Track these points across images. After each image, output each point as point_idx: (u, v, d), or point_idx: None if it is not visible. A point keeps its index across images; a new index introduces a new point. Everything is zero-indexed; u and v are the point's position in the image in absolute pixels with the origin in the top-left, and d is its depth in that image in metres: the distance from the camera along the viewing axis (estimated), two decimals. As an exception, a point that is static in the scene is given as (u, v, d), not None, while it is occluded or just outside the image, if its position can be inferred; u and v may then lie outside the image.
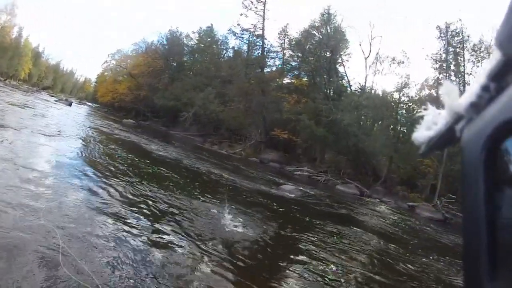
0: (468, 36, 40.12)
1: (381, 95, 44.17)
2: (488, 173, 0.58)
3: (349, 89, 45.44)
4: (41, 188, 8.68)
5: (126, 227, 7.76)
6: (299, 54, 48.73)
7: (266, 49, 51.17)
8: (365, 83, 45.10)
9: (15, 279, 4.73)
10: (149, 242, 7.31)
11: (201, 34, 59.94)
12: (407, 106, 42.55)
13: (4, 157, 10.54)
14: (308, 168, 37.83)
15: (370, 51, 43.92)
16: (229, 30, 54.46)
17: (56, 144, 15.79)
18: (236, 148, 43.04)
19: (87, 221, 7.46)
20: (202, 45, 59.09)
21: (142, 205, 9.88)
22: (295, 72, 50.25)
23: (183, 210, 10.53)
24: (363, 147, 36.66)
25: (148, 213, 9.38)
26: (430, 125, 0.72)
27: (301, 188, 22.96)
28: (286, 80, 50.14)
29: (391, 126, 42.32)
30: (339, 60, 45.86)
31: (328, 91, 44.68)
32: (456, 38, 40.68)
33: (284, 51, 51.10)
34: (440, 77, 40.90)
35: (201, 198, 12.60)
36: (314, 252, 9.69)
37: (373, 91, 45.37)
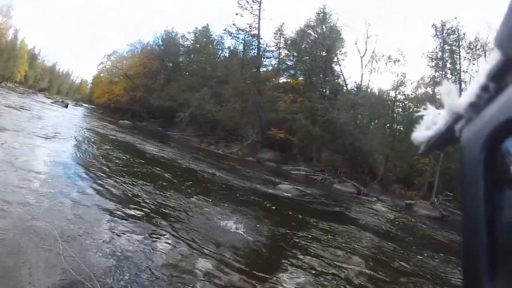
0: (464, 34, 40.14)
1: (377, 93, 44.15)
2: (487, 173, 0.58)
3: (345, 88, 45.40)
4: (39, 189, 8.85)
5: (122, 227, 7.85)
6: (295, 54, 48.63)
7: (261, 48, 51.14)
8: (361, 81, 44.99)
9: (16, 277, 4.81)
10: (146, 242, 7.33)
11: (197, 34, 59.86)
12: (403, 104, 42.52)
13: (2, 159, 10.65)
14: (305, 167, 37.78)
15: (366, 49, 43.80)
16: (225, 30, 54.38)
17: (53, 146, 15.84)
18: (232, 148, 42.93)
19: (85, 221, 7.59)
20: (198, 45, 58.88)
21: (138, 205, 9.94)
22: (291, 71, 50.10)
23: (179, 210, 10.58)
24: (359, 146, 36.56)
25: (145, 213, 9.43)
26: (429, 125, 0.72)
27: (298, 187, 22.91)
28: (282, 80, 50.10)
29: (388, 125, 42.23)
30: (335, 59, 45.78)
31: (324, 90, 44.60)
32: (451, 36, 40.68)
33: (280, 51, 51.05)
34: (436, 75, 41.19)
35: (198, 198, 12.62)
36: (311, 251, 9.69)
37: (369, 90, 45.26)
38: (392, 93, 42.70)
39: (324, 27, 46.03)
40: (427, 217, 25.87)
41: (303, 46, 47.10)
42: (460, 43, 40.22)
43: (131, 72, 61.18)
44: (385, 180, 36.58)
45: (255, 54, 51.32)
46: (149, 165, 17.53)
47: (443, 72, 40.44)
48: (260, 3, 49.16)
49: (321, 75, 45.15)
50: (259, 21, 49.71)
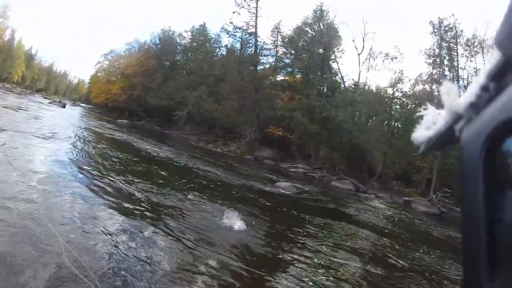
0: (462, 31, 40.35)
1: (375, 91, 44.24)
2: (487, 173, 0.58)
3: (342, 85, 45.36)
4: (38, 188, 8.84)
5: (121, 225, 7.87)
6: (292, 51, 48.77)
7: (259, 46, 50.99)
8: (359, 79, 45.04)
9: (17, 275, 4.82)
10: (144, 240, 7.34)
11: (194, 33, 59.86)
12: (401, 101, 42.73)
13: (1, 160, 10.62)
14: (303, 164, 37.91)
15: (363, 47, 43.71)
16: (222, 28, 54.29)
17: (51, 146, 15.78)
18: (230, 146, 42.97)
19: (85, 219, 7.63)
20: (195, 44, 58.97)
21: (136, 204, 9.94)
22: (289, 69, 50.18)
23: (176, 208, 10.56)
24: (357, 143, 36.65)
25: (142, 211, 9.43)
26: (429, 125, 0.72)
27: (296, 185, 22.87)
28: (280, 77, 50.22)
29: (385, 122, 42.37)
30: (332, 57, 45.81)
31: (321, 87, 44.64)
32: (449, 33, 40.85)
33: (277, 49, 51.09)
34: (433, 72, 41.38)
35: (195, 196, 12.59)
36: (309, 248, 9.69)
37: (366, 87, 45.45)
38: (390, 90, 42.82)
39: (321, 24, 46.04)
40: (425, 214, 25.92)
41: (300, 43, 47.14)
42: (458, 40, 40.39)
43: (128, 71, 61.16)
44: (383, 177, 36.63)
45: (253, 52, 51.15)
46: (146, 163, 17.55)
47: (441, 69, 40.60)
48: (257, 1, 49.04)
49: (318, 73, 45.16)
50: (256, 19, 49.57)
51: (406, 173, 36.39)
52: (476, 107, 0.61)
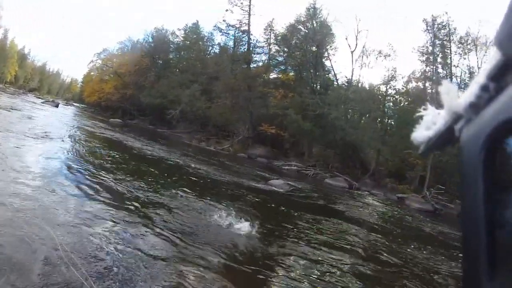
0: (455, 29, 40.46)
1: (368, 88, 44.60)
2: (487, 173, 0.58)
3: (335, 83, 45.42)
4: (31, 188, 8.89)
5: (113, 223, 7.89)
6: (285, 49, 48.59)
7: (252, 44, 50.99)
8: (352, 76, 45.18)
9: (15, 273, 4.88)
10: (137, 238, 7.40)
11: (187, 31, 59.62)
12: (394, 98, 43.00)
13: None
14: (296, 162, 37.87)
15: (356, 44, 43.87)
16: (215, 26, 54.26)
17: (44, 146, 15.84)
18: (224, 144, 42.96)
19: (78, 217, 7.71)
20: (188, 42, 58.78)
21: (128, 202, 9.98)
22: (282, 67, 50.15)
23: (169, 206, 10.57)
24: (350, 141, 36.73)
25: (135, 209, 9.48)
26: (429, 125, 0.72)
27: (289, 182, 22.85)
28: (273, 75, 50.10)
29: (379, 119, 42.61)
30: (326, 54, 45.78)
31: (314, 85, 44.62)
32: (442, 31, 40.97)
33: (270, 46, 51.02)
34: (427, 70, 41.65)
35: (188, 194, 12.60)
36: (301, 245, 9.71)
37: (360, 85, 45.66)
38: (383, 88, 43.17)
39: (314, 22, 46.00)
40: (419, 211, 26.01)
41: (293, 41, 47.02)
42: (451, 37, 40.50)
43: (121, 70, 60.82)
44: (377, 174, 36.74)
45: (246, 50, 51.12)
46: (138, 162, 17.63)
47: (434, 67, 40.82)
48: (250, -1, 48.84)
49: (311, 70, 45.09)
50: (249, 17, 49.54)
51: (399, 170, 36.50)
52: (476, 107, 0.60)
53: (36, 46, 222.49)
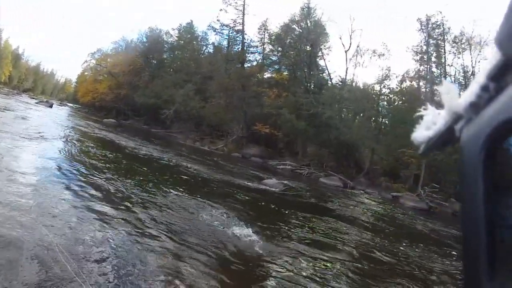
0: (449, 29, 40.60)
1: (362, 87, 44.78)
2: (487, 173, 0.58)
3: (329, 82, 45.41)
4: (26, 187, 8.92)
5: (107, 223, 7.92)
6: (279, 49, 48.57)
7: (246, 44, 50.97)
8: (346, 76, 45.25)
9: (10, 271, 4.98)
10: (131, 238, 7.42)
11: (181, 31, 59.41)
12: (388, 98, 43.09)
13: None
14: (291, 162, 37.88)
15: (350, 44, 43.95)
16: (209, 26, 54.19)
17: (38, 147, 15.83)
18: (218, 144, 42.93)
19: (74, 218, 7.74)
20: (182, 42, 58.59)
21: (122, 202, 10.01)
22: (276, 66, 50.12)
23: (163, 206, 10.59)
24: (345, 140, 36.76)
25: (128, 209, 9.51)
26: (429, 125, 0.72)
27: (284, 182, 22.89)
28: (267, 75, 50.09)
29: (373, 118, 42.71)
30: (320, 54, 45.76)
31: (308, 84, 44.58)
32: (436, 31, 41.11)
33: (264, 46, 50.90)
34: (421, 69, 41.82)
35: (182, 194, 12.65)
36: (296, 244, 9.68)
37: (354, 84, 45.80)
38: (377, 87, 43.31)
39: (308, 22, 45.94)
40: (413, 209, 26.10)
41: (287, 41, 46.91)
42: (445, 37, 40.65)
43: (115, 70, 60.42)
44: (371, 173, 36.77)
45: (240, 49, 51.14)
46: (131, 162, 17.66)
47: (428, 66, 40.95)
48: (244, -2, 48.78)
49: (305, 70, 45.00)
50: (243, 16, 49.53)
51: (394, 169, 36.57)
52: (476, 107, 0.60)
53: (36, 46, 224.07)
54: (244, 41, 50.83)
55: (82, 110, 69.77)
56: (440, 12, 40.20)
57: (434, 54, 41.30)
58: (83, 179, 11.66)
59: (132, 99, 53.25)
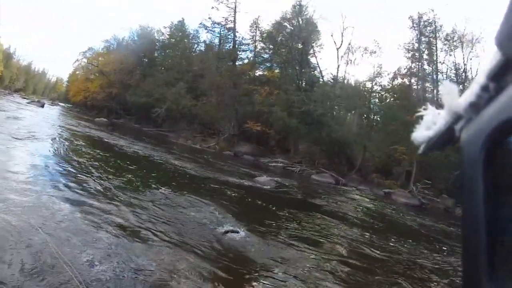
0: (441, 26, 40.65)
1: (353, 84, 44.76)
2: (487, 173, 0.58)
3: (321, 79, 45.41)
4: (18, 187, 9.04)
5: (99, 220, 8.06)
6: (271, 46, 48.59)
7: (237, 42, 50.87)
8: (337, 73, 45.17)
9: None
10: (123, 236, 7.47)
11: (172, 29, 59.18)
12: (380, 95, 43.23)
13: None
14: (283, 159, 37.98)
15: (342, 41, 43.99)
16: (200, 23, 53.84)
17: (29, 147, 15.80)
18: (209, 142, 42.84)
19: (64, 216, 7.87)
20: (173, 40, 58.35)
21: (111, 200, 10.11)
22: (267, 64, 50.11)
23: (154, 204, 10.64)
24: (336, 137, 36.76)
25: (117, 206, 9.60)
26: (429, 125, 0.73)
27: (276, 179, 23.06)
28: (258, 72, 50.09)
29: (364, 115, 42.97)
30: (311, 51, 45.70)
31: (300, 82, 44.56)
32: (428, 28, 41.13)
33: (256, 44, 50.75)
34: (412, 66, 41.73)
35: (173, 193, 12.61)
36: (287, 242, 9.71)
37: (345, 81, 45.82)
38: (369, 84, 43.46)
39: (300, 19, 45.87)
40: (405, 205, 26.26)
41: (279, 38, 46.97)
42: (437, 34, 40.74)
43: (106, 69, 60.06)
44: (363, 170, 36.86)
45: (231, 47, 51.04)
46: (122, 161, 17.59)
47: (420, 63, 40.95)
48: (236, -4, 48.72)
49: (297, 67, 44.99)
50: (235, 14, 49.33)
51: (386, 166, 36.68)
52: (476, 107, 0.60)
53: (37, 46, 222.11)
54: (236, 39, 50.78)
55: (74, 110, 69.55)
56: (432, 10, 40.26)
57: (426, 52, 41.33)
58: (73, 178, 11.72)
59: (124, 98, 53.05)
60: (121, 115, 56.65)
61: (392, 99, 41.92)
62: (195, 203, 11.57)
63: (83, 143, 21.53)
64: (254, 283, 6.80)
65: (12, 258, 5.29)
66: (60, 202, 8.70)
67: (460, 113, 0.64)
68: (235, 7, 49.10)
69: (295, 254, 8.77)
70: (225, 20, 50.19)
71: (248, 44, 51.46)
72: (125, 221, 8.41)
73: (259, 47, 50.77)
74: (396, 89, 42.06)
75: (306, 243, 9.87)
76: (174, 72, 50.89)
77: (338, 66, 44.60)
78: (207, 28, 53.18)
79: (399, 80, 42.93)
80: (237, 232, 9.23)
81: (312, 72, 45.77)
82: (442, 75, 39.91)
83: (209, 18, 51.29)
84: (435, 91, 40.37)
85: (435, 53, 40.89)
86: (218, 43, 53.88)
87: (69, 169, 13.06)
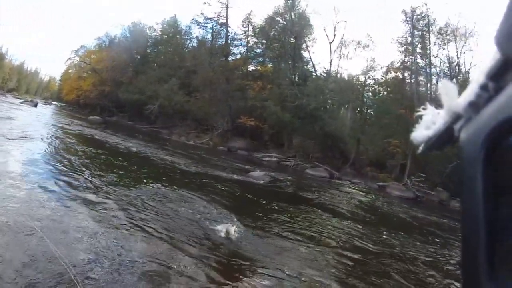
0: (434, 20, 40.67)
1: (346, 78, 44.90)
2: (487, 172, 0.58)
3: (314, 74, 45.40)
4: (12, 187, 9.05)
5: (92, 217, 8.12)
6: (264, 41, 48.60)
7: (230, 37, 50.86)
8: (330, 67, 45.27)
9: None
10: (118, 233, 7.50)
11: (164, 25, 58.99)
12: (373, 88, 43.41)
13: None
14: (277, 154, 38.06)
15: (334, 35, 44.11)
16: (193, 19, 53.82)
17: (22, 146, 15.72)
18: (203, 138, 42.72)
19: (60, 212, 7.97)
20: (166, 36, 58.14)
21: (104, 197, 10.15)
22: (260, 59, 50.12)
23: (148, 200, 10.61)
24: (330, 131, 36.90)
25: (110, 202, 9.64)
26: (429, 125, 0.73)
27: (269, 174, 23.10)
28: (251, 67, 50.08)
29: (358, 109, 43.06)
30: (304, 46, 45.72)
31: (293, 76, 44.55)
32: (421, 22, 41.11)
33: (248, 39, 50.77)
34: (405, 60, 41.73)
35: (166, 188, 12.58)
36: (281, 236, 9.71)
37: (338, 75, 45.89)
38: (362, 78, 43.72)
39: (292, 14, 45.82)
40: (400, 198, 26.44)
41: (271, 33, 46.99)
42: (430, 28, 40.76)
43: (99, 66, 59.63)
44: (357, 164, 36.97)
45: (223, 43, 51.09)
46: (115, 159, 17.63)
47: (413, 57, 40.94)
48: (228, -9, 48.56)
49: (290, 62, 44.97)
50: (227, 9, 49.39)
51: (380, 159, 36.86)
52: (475, 106, 0.60)
53: (37, 46, 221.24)
54: (228, 34, 50.77)
55: (67, 108, 69.30)
56: (425, 4, 40.26)
57: (419, 46, 41.33)
58: (66, 176, 11.68)
59: (116, 95, 52.78)
60: (114, 112, 56.27)
61: (385, 92, 42.23)
62: (188, 199, 11.56)
63: (76, 142, 21.45)
64: (246, 277, 6.75)
65: (7, 255, 5.34)
66: (53, 200, 8.74)
67: (460, 113, 0.63)
68: (228, 3, 49.22)
69: (288, 247, 8.79)
70: (218, 15, 50.27)
71: (241, 39, 51.50)
72: (118, 217, 8.43)
73: (251, 42, 50.79)
74: (389, 82, 42.31)
75: (300, 237, 9.87)
76: (167, 69, 50.67)
77: (331, 60, 44.71)
78: (200, 23, 53.30)
79: (392, 74, 43.18)
80: (231, 226, 9.11)
81: (305, 67, 45.73)
82: (436, 69, 40.36)
83: (202, 13, 51.35)
84: (428, 84, 40.55)
85: (428, 46, 40.93)
86: (210, 39, 53.77)
87: (61, 167, 13.01)
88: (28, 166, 11.99)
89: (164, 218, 9.20)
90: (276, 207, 13.48)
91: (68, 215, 7.81)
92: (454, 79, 38.73)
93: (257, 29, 49.18)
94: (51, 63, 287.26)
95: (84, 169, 13.34)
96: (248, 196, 15.19)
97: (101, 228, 7.42)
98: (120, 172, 14.23)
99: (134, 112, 51.82)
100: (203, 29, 54.12)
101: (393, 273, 8.46)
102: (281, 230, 10.22)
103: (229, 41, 50.72)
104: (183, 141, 40.34)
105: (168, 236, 7.90)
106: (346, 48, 44.13)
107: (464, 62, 39.29)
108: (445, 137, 0.68)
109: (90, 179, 11.87)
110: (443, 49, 40.30)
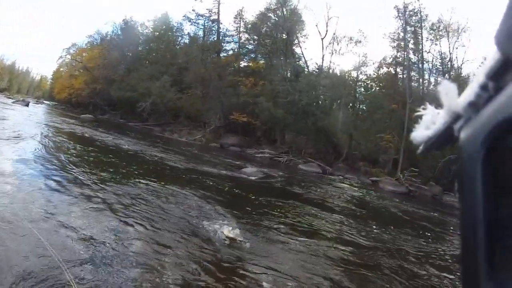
0: (427, 16, 40.92)
1: (339, 74, 44.96)
2: (486, 172, 0.57)
3: (306, 69, 45.63)
4: (5, 183, 9.21)
5: (83, 215, 8.08)
6: (255, 37, 48.63)
7: (221, 33, 50.80)
8: (322, 63, 45.36)
9: None
10: (113, 231, 7.47)
11: (156, 22, 58.78)
12: (365, 84, 43.67)
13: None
14: (269, 150, 38.06)
15: (326, 31, 44.09)
16: (184, 16, 53.63)
17: (15, 146, 15.71)
18: (196, 135, 42.60)
19: (53, 210, 7.95)
20: (157, 33, 57.93)
21: (98, 195, 10.08)
22: (252, 55, 50.06)
23: (139, 198, 10.57)
24: (322, 126, 37.03)
25: (104, 201, 9.57)
26: (428, 125, 0.73)
27: (262, 170, 23.14)
28: (243, 64, 49.95)
29: (350, 104, 43.22)
30: (296, 42, 45.87)
31: (285, 72, 44.53)
32: (414, 18, 41.28)
33: (240, 35, 50.62)
34: (398, 55, 42.14)
35: (158, 186, 12.56)
36: (273, 232, 9.72)
37: (331, 71, 45.97)
38: (354, 74, 43.93)
39: (284, 10, 45.74)
40: (393, 193, 26.62)
41: (263, 29, 47.11)
42: (423, 24, 41.03)
43: (91, 64, 59.40)
44: (350, 159, 37.13)
45: (215, 39, 51.05)
46: (107, 157, 17.49)
47: (405, 53, 41.25)
48: (220, -13, 48.46)
49: (282, 58, 44.89)
50: (218, 5, 49.34)
51: (372, 154, 37.10)
52: (475, 106, 0.60)
53: (37, 46, 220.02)
54: (220, 30, 50.73)
55: (59, 107, 68.68)
56: (418, 0, 40.36)
57: (412, 41, 41.66)
58: (58, 175, 11.66)
59: (108, 93, 52.51)
60: (106, 110, 56.03)
61: (377, 88, 42.50)
62: (180, 196, 11.56)
63: (68, 140, 21.26)
64: (238, 274, 6.74)
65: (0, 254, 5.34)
66: (45, 198, 8.76)
67: (459, 113, 0.63)
68: (219, -1, 48.84)
69: (280, 242, 8.86)
70: (209, 11, 50.14)
71: (233, 36, 51.36)
72: (110, 215, 8.45)
73: (243, 38, 50.70)
74: (381, 78, 42.65)
75: (291, 232, 9.91)
76: (159, 66, 50.51)
77: (323, 56, 44.77)
78: (191, 20, 53.15)
79: (384, 69, 43.61)
80: (222, 223, 9.15)
81: (297, 62, 45.75)
82: (428, 64, 40.72)
83: (193, 10, 51.22)
84: (420, 80, 40.77)
85: (421, 42, 41.19)
86: (202, 35, 53.71)
87: (53, 166, 13.00)
88: (20, 165, 11.98)
89: (157, 215, 9.19)
90: (269, 203, 13.51)
91: (61, 213, 7.77)
92: (446, 75, 38.98)
93: (249, 25, 49.11)
94: (51, 63, 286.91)
95: (75, 167, 13.27)
96: (241, 192, 15.18)
97: (94, 226, 7.41)
98: (111, 170, 14.16)
99: (126, 110, 51.62)
100: (195, 25, 54.21)
101: (384, 267, 8.50)
102: (273, 226, 10.24)
103: (221, 38, 50.68)
104: (175, 138, 40.26)
105: (162, 233, 7.90)
106: (338, 43, 44.24)
107: (456, 57, 39.65)
108: (445, 137, 0.68)
109: (82, 177, 11.81)
110: (436, 44, 40.79)
